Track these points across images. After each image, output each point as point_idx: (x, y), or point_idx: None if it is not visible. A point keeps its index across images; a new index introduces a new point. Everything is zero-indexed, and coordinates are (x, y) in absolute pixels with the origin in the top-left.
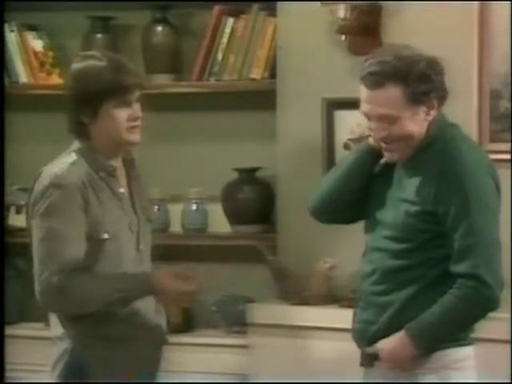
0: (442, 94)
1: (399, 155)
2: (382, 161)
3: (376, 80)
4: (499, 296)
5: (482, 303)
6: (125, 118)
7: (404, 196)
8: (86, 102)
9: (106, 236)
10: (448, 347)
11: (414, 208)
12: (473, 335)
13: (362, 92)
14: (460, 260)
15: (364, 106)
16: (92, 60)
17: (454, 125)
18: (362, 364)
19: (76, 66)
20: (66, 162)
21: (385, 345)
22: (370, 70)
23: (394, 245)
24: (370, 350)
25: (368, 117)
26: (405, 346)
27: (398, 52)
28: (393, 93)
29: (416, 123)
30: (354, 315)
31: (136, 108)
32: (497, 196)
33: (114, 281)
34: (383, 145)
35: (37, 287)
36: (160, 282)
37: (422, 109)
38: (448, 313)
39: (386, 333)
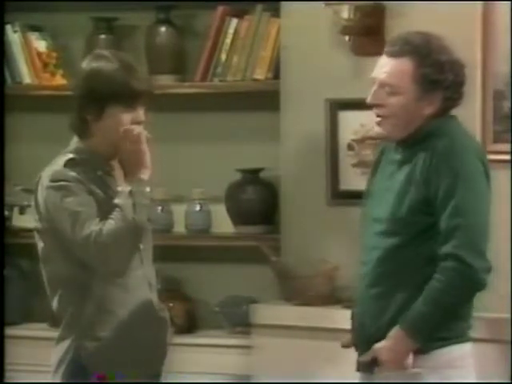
0: (449, 96)
1: (386, 129)
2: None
3: (397, 49)
4: (483, 277)
5: (465, 284)
6: (128, 121)
7: (394, 187)
8: (93, 101)
9: None
10: (446, 345)
11: (406, 197)
12: (470, 332)
13: (381, 58)
14: (444, 241)
15: (375, 70)
16: (104, 61)
17: (452, 117)
18: (358, 370)
19: (87, 64)
20: (61, 163)
21: (382, 345)
22: (396, 38)
23: (385, 240)
24: (364, 357)
25: (374, 80)
26: (402, 342)
27: (431, 36)
28: (405, 66)
29: (410, 109)
30: (353, 317)
31: (140, 113)
32: (485, 181)
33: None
34: (375, 111)
35: (91, 250)
36: None
37: (422, 99)
38: (435, 298)
39: (386, 335)
